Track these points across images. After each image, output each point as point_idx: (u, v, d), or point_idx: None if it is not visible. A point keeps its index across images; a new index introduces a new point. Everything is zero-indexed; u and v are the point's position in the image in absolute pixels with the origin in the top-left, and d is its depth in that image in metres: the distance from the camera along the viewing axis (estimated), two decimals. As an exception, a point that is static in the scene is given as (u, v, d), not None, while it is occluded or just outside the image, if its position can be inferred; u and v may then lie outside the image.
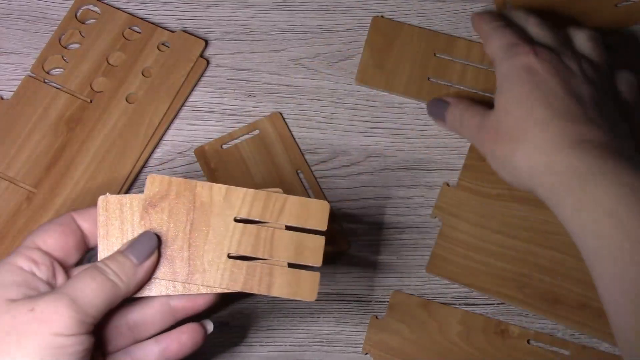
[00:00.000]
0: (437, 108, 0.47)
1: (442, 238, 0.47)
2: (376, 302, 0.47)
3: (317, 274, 0.36)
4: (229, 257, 0.36)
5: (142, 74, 0.51)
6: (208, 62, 0.52)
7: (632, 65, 0.48)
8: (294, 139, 0.50)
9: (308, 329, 0.46)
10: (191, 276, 0.35)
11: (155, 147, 0.50)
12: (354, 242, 0.48)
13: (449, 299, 0.46)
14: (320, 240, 0.36)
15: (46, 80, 0.51)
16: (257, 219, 0.36)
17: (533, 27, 0.45)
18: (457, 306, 0.46)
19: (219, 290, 0.35)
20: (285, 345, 0.46)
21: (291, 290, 0.35)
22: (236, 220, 0.36)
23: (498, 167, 0.43)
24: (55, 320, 0.31)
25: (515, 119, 0.41)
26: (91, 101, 0.50)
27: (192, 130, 0.51)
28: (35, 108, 0.50)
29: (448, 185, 0.48)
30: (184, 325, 0.37)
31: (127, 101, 0.50)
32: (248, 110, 0.51)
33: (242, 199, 0.36)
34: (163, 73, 0.51)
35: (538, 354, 0.45)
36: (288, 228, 0.36)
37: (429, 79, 0.51)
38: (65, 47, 0.52)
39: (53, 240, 0.35)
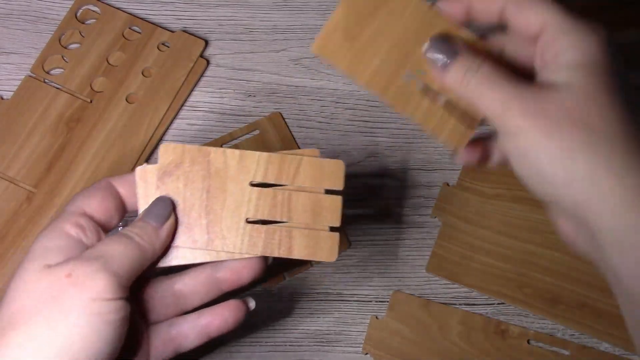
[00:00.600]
0: (444, 48, 0.33)
1: (442, 238, 0.47)
2: (376, 302, 0.47)
3: (337, 235, 0.35)
4: (247, 222, 0.35)
5: (142, 74, 0.51)
6: (208, 62, 0.52)
7: (632, 65, 0.48)
8: (294, 139, 0.50)
9: (308, 329, 0.46)
10: (211, 243, 0.35)
11: (155, 147, 0.50)
12: (354, 242, 0.48)
13: (449, 299, 0.46)
14: (338, 200, 0.35)
15: (46, 80, 0.51)
16: (273, 182, 0.35)
17: None
18: (457, 306, 0.46)
19: (238, 256, 0.35)
20: (286, 345, 0.46)
21: (311, 252, 0.35)
22: (252, 184, 0.35)
23: (523, 161, 0.31)
24: (91, 285, 0.31)
25: (599, 107, 0.29)
26: (91, 101, 0.50)
27: (192, 130, 0.51)
28: (35, 108, 0.50)
29: (448, 185, 0.48)
30: (227, 301, 0.37)
31: (127, 101, 0.50)
32: (248, 110, 0.51)
33: (257, 163, 0.35)
34: (163, 73, 0.51)
35: (538, 354, 0.45)
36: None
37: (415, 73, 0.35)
38: (65, 47, 0.52)
39: (97, 203, 0.35)
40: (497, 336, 0.45)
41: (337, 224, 0.35)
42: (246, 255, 0.35)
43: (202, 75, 0.52)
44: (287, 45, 0.53)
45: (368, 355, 0.45)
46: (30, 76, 0.51)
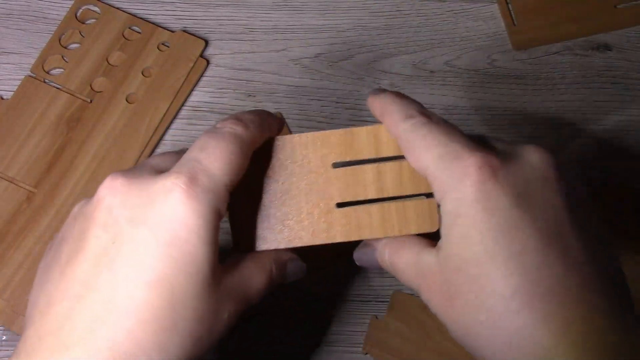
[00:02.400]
0: (365, 255, 0.35)
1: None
2: (376, 302, 0.47)
3: (434, 200, 0.31)
4: (338, 205, 0.33)
5: (142, 74, 0.51)
6: (208, 62, 0.52)
7: (632, 65, 0.48)
8: (294, 139, 0.50)
9: (308, 329, 0.46)
10: (315, 236, 0.33)
11: (155, 147, 0.50)
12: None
13: (449, 299, 0.46)
14: None
15: (46, 80, 0.51)
16: (355, 160, 0.33)
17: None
18: (457, 306, 0.46)
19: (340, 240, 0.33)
20: (286, 345, 0.46)
21: (419, 224, 0.33)
22: (335, 166, 0.33)
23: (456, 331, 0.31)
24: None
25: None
26: (91, 101, 0.50)
27: (192, 130, 0.51)
28: (35, 108, 0.50)
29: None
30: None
31: (127, 101, 0.50)
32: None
33: (332, 143, 0.33)
34: (163, 73, 0.51)
35: (538, 354, 0.45)
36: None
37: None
38: (65, 47, 0.52)
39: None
40: (497, 336, 0.45)
41: (429, 189, 0.31)
42: (352, 239, 0.33)
43: (202, 75, 0.52)
44: (287, 45, 0.53)
45: (368, 355, 0.45)
46: (30, 76, 0.51)
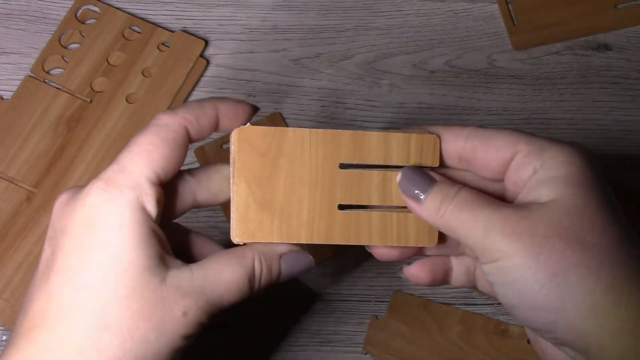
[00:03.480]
0: (417, 180, 0.32)
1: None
2: (376, 302, 0.47)
3: None
4: (340, 207, 0.32)
5: (142, 74, 0.51)
6: (208, 62, 0.52)
7: (632, 65, 0.48)
8: (294, 139, 0.50)
9: (308, 329, 0.46)
10: (312, 235, 0.32)
11: (155, 147, 0.50)
12: (354, 242, 0.48)
13: (449, 299, 0.46)
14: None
15: (46, 80, 0.51)
16: (363, 163, 0.32)
17: None
18: (457, 306, 0.46)
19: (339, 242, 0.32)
20: (285, 345, 0.46)
21: (419, 237, 0.33)
22: (341, 166, 0.32)
23: (510, 289, 0.28)
24: None
25: (589, 221, 0.28)
26: (91, 101, 0.50)
27: (192, 130, 0.51)
28: (35, 108, 0.50)
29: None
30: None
31: (127, 101, 0.50)
32: (248, 110, 0.51)
33: (342, 142, 0.32)
34: (163, 73, 0.51)
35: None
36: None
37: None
38: (65, 47, 0.52)
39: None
40: (497, 336, 0.45)
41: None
42: (350, 242, 0.33)
43: (202, 75, 0.52)
44: (287, 45, 0.53)
45: (368, 355, 0.45)
46: (30, 76, 0.51)
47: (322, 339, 0.46)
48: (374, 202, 0.33)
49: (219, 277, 0.30)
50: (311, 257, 0.34)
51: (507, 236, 0.28)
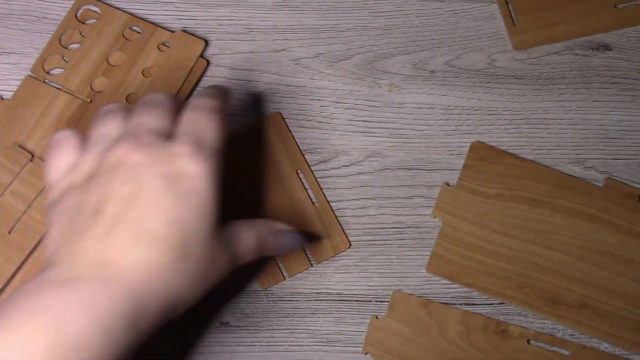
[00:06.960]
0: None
1: (442, 238, 0.47)
2: (376, 302, 0.47)
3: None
4: None
5: (142, 74, 0.51)
6: (208, 62, 0.52)
7: (632, 65, 0.48)
8: (294, 139, 0.50)
9: (308, 329, 0.46)
10: None
11: (155, 147, 0.50)
12: (353, 242, 0.48)
13: (449, 299, 0.46)
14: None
15: (46, 80, 0.51)
16: None
17: None
18: (457, 306, 0.46)
19: None
20: (285, 345, 0.46)
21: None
22: None
23: None
24: None
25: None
26: (91, 101, 0.50)
27: (192, 130, 0.51)
28: (35, 108, 0.50)
29: (448, 185, 0.48)
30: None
31: (127, 101, 0.50)
32: (248, 110, 0.51)
33: None
34: (163, 73, 0.51)
35: (538, 354, 0.45)
36: None
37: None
38: (65, 47, 0.52)
39: None
40: (497, 336, 0.45)
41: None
42: None
43: (202, 76, 0.52)
44: (287, 45, 0.53)
45: (368, 355, 0.45)
46: (30, 76, 0.51)
47: (322, 339, 0.46)
48: None
49: (241, 239, 0.37)
50: (302, 236, 0.42)
51: None
